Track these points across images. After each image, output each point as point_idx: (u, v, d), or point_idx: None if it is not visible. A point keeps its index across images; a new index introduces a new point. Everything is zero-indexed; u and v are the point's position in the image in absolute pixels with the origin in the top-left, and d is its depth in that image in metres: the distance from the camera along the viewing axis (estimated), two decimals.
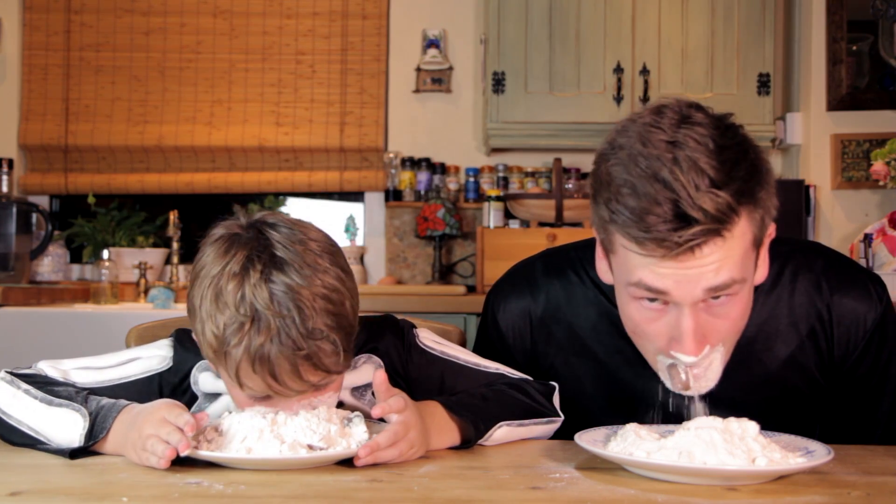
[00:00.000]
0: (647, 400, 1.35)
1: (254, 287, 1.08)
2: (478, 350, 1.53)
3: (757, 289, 1.29)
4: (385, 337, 1.32)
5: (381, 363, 1.28)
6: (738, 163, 1.12)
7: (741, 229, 1.13)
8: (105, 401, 1.16)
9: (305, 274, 1.09)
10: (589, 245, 1.44)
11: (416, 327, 1.36)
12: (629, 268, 1.16)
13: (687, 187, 1.08)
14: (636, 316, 1.21)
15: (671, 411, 1.34)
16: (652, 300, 1.17)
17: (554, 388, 1.35)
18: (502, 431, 1.24)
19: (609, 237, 1.18)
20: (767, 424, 1.33)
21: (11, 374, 1.22)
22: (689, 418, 1.30)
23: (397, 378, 1.29)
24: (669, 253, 1.10)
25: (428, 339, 1.35)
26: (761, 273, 1.24)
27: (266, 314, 1.07)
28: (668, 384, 1.24)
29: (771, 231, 1.22)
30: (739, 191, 1.11)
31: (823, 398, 1.39)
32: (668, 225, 1.09)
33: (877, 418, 1.38)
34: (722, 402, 1.32)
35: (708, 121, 1.14)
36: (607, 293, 1.38)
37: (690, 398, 1.29)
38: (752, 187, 1.13)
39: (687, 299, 1.14)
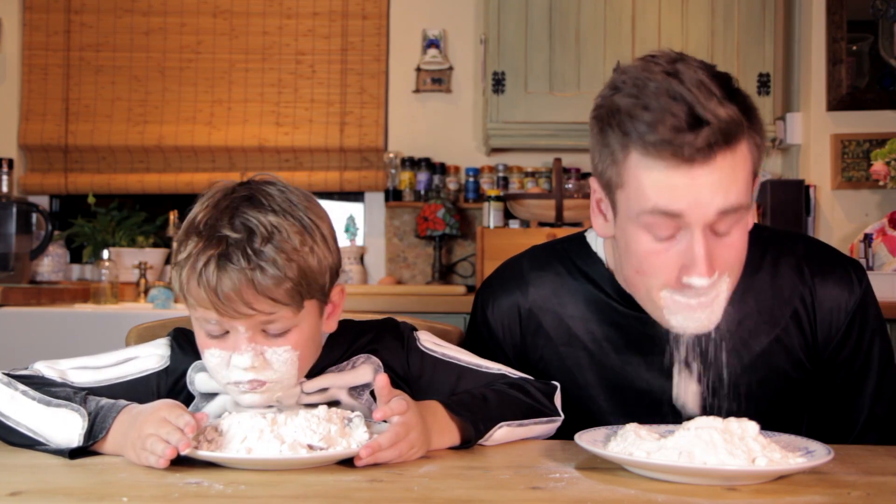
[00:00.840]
0: (636, 384, 1.37)
1: (221, 212, 1.12)
2: (468, 349, 1.53)
3: (742, 273, 1.31)
4: (385, 339, 1.32)
5: (381, 364, 1.28)
6: (736, 90, 1.20)
7: (745, 149, 1.19)
8: (104, 401, 1.16)
9: (277, 215, 1.12)
10: (573, 238, 1.48)
11: (416, 330, 1.36)
12: (643, 194, 1.19)
13: (699, 96, 1.15)
14: (645, 248, 1.23)
15: (660, 394, 1.36)
16: (661, 235, 1.21)
17: (555, 387, 1.35)
18: (503, 431, 1.24)
19: (620, 167, 1.22)
20: (757, 408, 1.35)
21: (9, 375, 1.22)
22: (678, 403, 1.33)
23: (397, 380, 1.29)
24: (684, 159, 1.15)
25: (428, 341, 1.35)
26: (750, 219, 1.27)
27: (223, 232, 1.10)
28: (673, 321, 1.26)
29: (758, 175, 1.27)
30: (743, 110, 1.18)
31: (810, 383, 1.40)
32: (683, 129, 1.14)
33: (861, 402, 1.40)
34: (711, 385, 1.34)
35: (698, 63, 1.20)
36: (596, 281, 1.41)
37: (671, 382, 1.33)
38: (750, 113, 1.20)
39: (700, 220, 1.18)
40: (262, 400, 1.16)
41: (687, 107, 1.15)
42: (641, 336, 1.36)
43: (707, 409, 1.35)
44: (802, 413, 1.43)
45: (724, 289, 1.24)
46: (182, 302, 1.16)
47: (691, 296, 1.23)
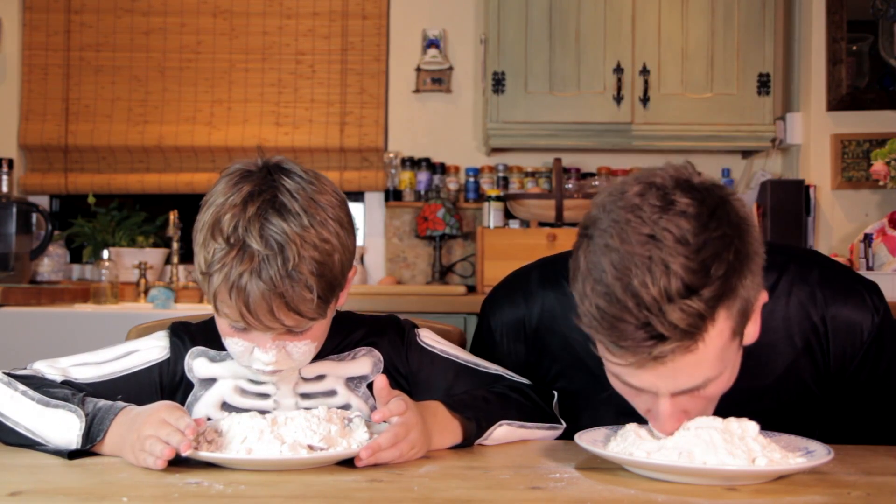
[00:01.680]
0: (638, 415, 1.35)
1: (248, 220, 1.11)
2: (473, 352, 1.53)
3: None
4: (386, 333, 1.33)
5: (381, 358, 1.29)
6: (718, 259, 1.06)
7: (717, 331, 1.08)
8: (102, 402, 1.16)
9: (302, 222, 1.12)
10: None
11: (417, 326, 1.36)
12: (607, 362, 1.13)
13: (659, 301, 1.03)
14: (618, 386, 1.17)
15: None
16: (631, 385, 1.14)
17: (553, 395, 1.36)
18: (502, 430, 1.24)
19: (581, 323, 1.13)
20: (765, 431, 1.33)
21: (8, 374, 1.22)
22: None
23: (396, 375, 1.30)
24: (639, 361, 1.07)
25: (429, 337, 1.36)
26: (752, 332, 1.18)
27: (252, 247, 1.10)
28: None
29: (763, 297, 1.16)
30: (715, 295, 1.05)
31: (819, 409, 1.38)
32: (638, 339, 1.05)
33: (877, 428, 1.37)
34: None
35: (693, 210, 1.07)
36: None
37: None
38: (731, 284, 1.07)
39: (662, 393, 1.12)
40: (276, 378, 1.22)
41: (643, 318, 1.04)
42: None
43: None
44: (811, 431, 1.41)
45: (705, 413, 1.18)
46: (203, 286, 1.16)
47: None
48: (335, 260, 1.15)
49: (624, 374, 1.12)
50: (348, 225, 1.19)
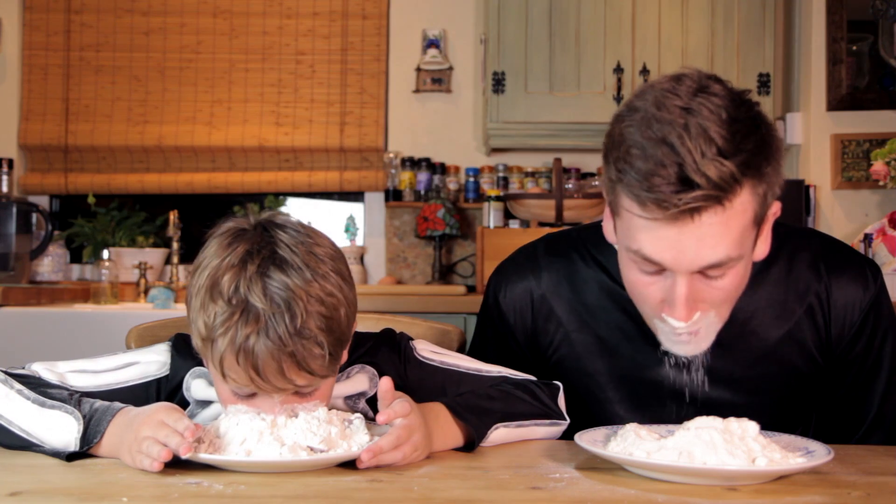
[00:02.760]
0: (646, 374, 1.38)
1: (249, 280, 1.07)
2: (478, 333, 1.53)
3: (756, 265, 1.31)
4: (382, 350, 1.31)
5: (376, 373, 1.27)
6: (748, 136, 1.14)
7: (742, 202, 1.15)
8: (99, 403, 1.15)
9: (305, 276, 1.08)
10: (590, 227, 1.48)
11: (412, 340, 1.35)
12: (631, 233, 1.19)
13: (693, 153, 1.11)
14: (633, 278, 1.25)
15: (670, 386, 1.36)
16: (648, 271, 1.21)
17: (558, 388, 1.35)
18: (500, 433, 1.24)
19: (616, 199, 1.21)
20: (765, 402, 1.35)
21: (6, 373, 1.21)
22: (689, 394, 1.33)
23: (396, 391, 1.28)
24: (669, 215, 1.13)
25: (425, 350, 1.34)
26: (762, 249, 1.26)
27: (257, 307, 1.06)
28: (664, 345, 1.29)
29: (776, 209, 1.24)
30: (745, 162, 1.13)
31: (820, 379, 1.40)
32: (671, 187, 1.11)
33: (870, 400, 1.40)
34: (721, 376, 1.36)
35: (724, 92, 1.16)
36: (609, 270, 1.41)
37: (688, 370, 1.34)
38: (758, 161, 1.15)
39: (680, 270, 1.17)
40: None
41: (678, 166, 1.11)
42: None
43: (714, 401, 1.36)
44: (810, 410, 1.43)
45: (709, 322, 1.24)
46: (205, 353, 1.12)
47: (676, 332, 1.24)
48: (342, 314, 1.12)
49: (647, 244, 1.17)
50: (349, 278, 1.16)
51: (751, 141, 1.15)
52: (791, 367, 1.38)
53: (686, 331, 1.23)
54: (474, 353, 1.53)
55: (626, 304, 1.38)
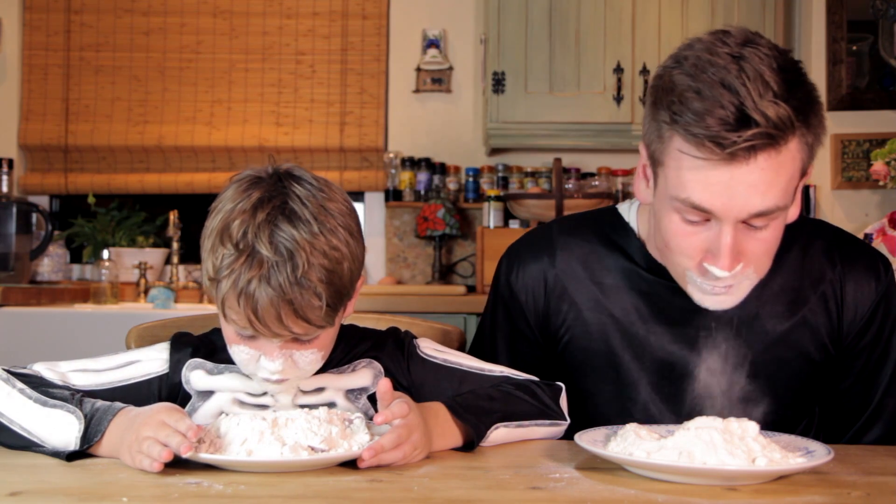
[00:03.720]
0: (658, 355, 1.39)
1: (258, 227, 1.11)
2: (487, 314, 1.53)
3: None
4: (386, 346, 1.31)
5: (381, 370, 1.28)
6: (798, 85, 1.17)
7: (794, 149, 1.18)
8: (100, 403, 1.15)
9: (311, 229, 1.12)
10: (605, 209, 1.50)
11: (416, 338, 1.35)
12: (680, 180, 1.20)
13: (752, 93, 1.13)
14: (674, 228, 1.25)
15: (683, 368, 1.37)
16: (692, 220, 1.22)
17: (560, 388, 1.35)
18: (499, 433, 1.24)
19: (664, 146, 1.22)
20: (777, 387, 1.36)
21: (8, 371, 1.21)
22: (701, 377, 1.35)
23: (399, 388, 1.28)
24: (725, 155, 1.14)
25: (429, 347, 1.34)
26: (794, 212, 1.28)
27: (262, 253, 1.10)
28: (696, 298, 1.29)
29: (809, 170, 1.26)
30: (798, 108, 1.16)
31: (829, 367, 1.41)
32: (729, 125, 1.13)
33: (874, 392, 1.41)
34: (734, 360, 1.36)
35: (770, 45, 1.19)
36: (626, 251, 1.42)
37: (701, 353, 1.35)
38: (807, 110, 1.18)
39: (731, 218, 1.18)
40: (283, 388, 1.21)
41: (738, 102, 1.13)
42: (669, 307, 1.38)
43: (726, 385, 1.36)
44: (817, 400, 1.44)
45: (748, 279, 1.26)
46: (211, 291, 1.15)
47: (713, 281, 1.25)
48: (344, 268, 1.15)
49: (697, 190, 1.17)
50: (357, 234, 1.20)
51: (801, 90, 1.18)
52: (804, 353, 1.39)
53: (728, 282, 1.24)
54: (482, 335, 1.53)
55: (641, 284, 1.39)
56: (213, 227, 1.15)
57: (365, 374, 1.27)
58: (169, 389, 1.26)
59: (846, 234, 1.46)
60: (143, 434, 1.06)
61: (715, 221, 1.20)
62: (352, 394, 1.26)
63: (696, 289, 1.28)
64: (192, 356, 1.26)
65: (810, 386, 1.41)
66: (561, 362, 1.45)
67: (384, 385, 1.13)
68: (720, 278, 1.23)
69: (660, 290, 1.38)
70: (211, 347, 1.27)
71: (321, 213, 1.14)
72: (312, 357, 1.18)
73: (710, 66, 1.16)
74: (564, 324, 1.44)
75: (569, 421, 1.33)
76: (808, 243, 1.41)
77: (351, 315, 1.36)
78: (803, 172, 1.23)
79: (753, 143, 1.13)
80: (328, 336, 1.19)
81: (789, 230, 1.37)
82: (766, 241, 1.23)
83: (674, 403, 1.37)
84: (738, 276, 1.24)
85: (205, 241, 1.16)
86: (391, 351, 1.31)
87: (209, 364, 1.25)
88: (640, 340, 1.40)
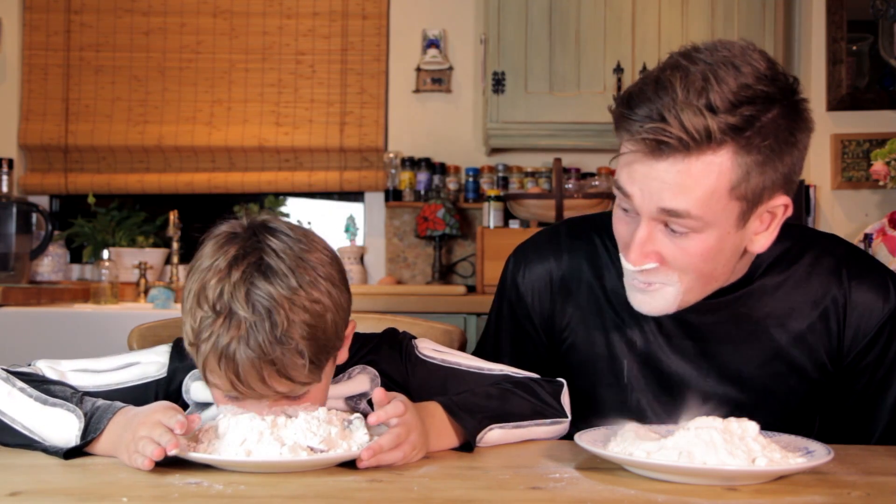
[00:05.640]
0: (656, 363, 1.39)
1: (233, 286, 1.08)
2: (494, 314, 1.53)
3: (776, 264, 1.34)
4: (383, 350, 1.31)
5: (377, 374, 1.28)
6: (754, 106, 1.14)
7: (718, 164, 1.16)
8: (100, 402, 1.16)
9: (290, 283, 1.09)
10: (609, 215, 1.48)
11: (415, 338, 1.35)
12: (618, 169, 1.25)
13: (679, 97, 1.14)
14: (615, 215, 1.30)
15: (679, 378, 1.37)
16: (626, 210, 1.25)
17: (562, 385, 1.35)
18: (496, 434, 1.23)
19: (617, 133, 1.26)
20: (771, 403, 1.35)
21: (8, 371, 1.21)
22: (697, 388, 1.36)
23: (399, 391, 1.27)
24: (638, 144, 1.17)
25: (427, 348, 1.34)
26: (762, 242, 1.27)
27: (239, 314, 1.07)
28: (627, 293, 1.31)
29: (781, 203, 1.23)
30: (732, 127, 1.14)
31: (829, 385, 1.39)
32: (645, 117, 1.16)
33: (880, 412, 1.38)
34: (730, 373, 1.36)
35: (760, 64, 1.17)
36: None
37: (698, 364, 1.36)
38: (752, 134, 1.15)
39: (644, 209, 1.21)
40: None
41: (661, 102, 1.15)
42: (667, 317, 1.37)
43: (721, 397, 1.36)
44: (814, 417, 1.43)
45: (671, 284, 1.26)
46: (193, 356, 1.13)
47: (630, 276, 1.28)
48: (327, 320, 1.11)
49: (623, 175, 1.22)
50: (340, 282, 1.16)
51: (755, 111, 1.14)
52: (800, 370, 1.37)
53: (638, 278, 1.26)
54: (487, 334, 1.54)
55: None
56: (190, 287, 1.12)
57: (361, 380, 1.27)
58: (166, 395, 1.25)
59: (859, 251, 1.44)
60: (139, 433, 1.06)
61: (638, 217, 1.23)
62: (351, 400, 1.26)
63: (626, 282, 1.31)
64: (194, 364, 1.25)
65: (808, 403, 1.40)
66: (564, 364, 1.45)
67: (378, 395, 1.13)
68: (629, 271, 1.26)
69: None
70: None
71: (299, 266, 1.10)
72: (307, 408, 1.14)
73: (671, 67, 1.18)
74: (569, 326, 1.45)
75: (569, 417, 1.32)
76: (816, 260, 1.38)
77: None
78: (745, 196, 1.19)
79: (656, 138, 1.15)
80: (319, 390, 1.16)
81: (800, 246, 1.37)
82: (688, 252, 1.22)
83: (670, 413, 1.37)
84: (656, 276, 1.25)
85: (184, 303, 1.13)
86: (388, 354, 1.31)
87: None
88: (640, 347, 1.40)
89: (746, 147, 1.16)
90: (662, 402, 1.39)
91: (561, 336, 1.45)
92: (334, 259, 1.17)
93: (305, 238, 1.15)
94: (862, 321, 1.36)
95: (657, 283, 1.26)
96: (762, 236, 1.26)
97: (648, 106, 1.16)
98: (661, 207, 1.19)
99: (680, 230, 1.20)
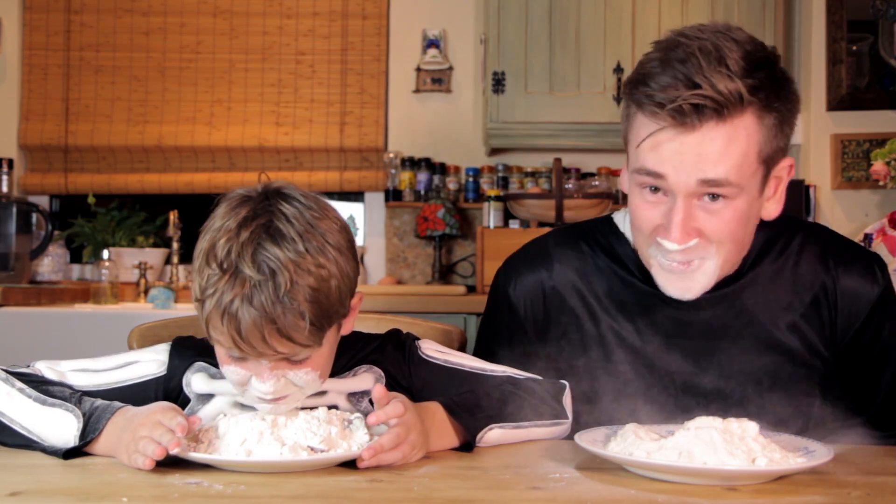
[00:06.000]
0: (655, 364, 1.39)
1: (242, 246, 1.09)
2: (484, 328, 1.53)
3: (764, 253, 1.37)
4: (387, 349, 1.31)
5: (382, 374, 1.27)
6: (761, 67, 1.21)
7: (747, 126, 1.21)
8: (99, 402, 1.16)
9: (297, 248, 1.10)
10: (600, 219, 1.51)
11: (418, 339, 1.35)
12: (638, 152, 1.25)
13: (703, 64, 1.18)
14: (636, 202, 1.29)
15: (679, 376, 1.38)
16: (654, 190, 1.25)
17: (564, 386, 1.35)
18: (496, 434, 1.23)
19: (629, 124, 1.27)
20: (770, 392, 1.36)
21: (7, 371, 1.22)
22: (696, 383, 1.37)
23: (402, 391, 1.27)
24: (672, 116, 1.18)
25: (430, 349, 1.34)
26: (773, 208, 1.32)
27: (245, 272, 1.08)
28: (660, 283, 1.32)
29: (788, 165, 1.31)
30: (754, 87, 1.20)
31: (826, 370, 1.41)
32: (676, 90, 1.18)
33: (878, 387, 1.41)
34: (728, 368, 1.37)
35: (747, 36, 1.23)
36: (621, 259, 1.43)
37: (696, 360, 1.36)
38: (768, 92, 1.21)
39: (682, 186, 1.22)
40: (283, 409, 1.16)
41: (687, 71, 1.18)
42: (663, 317, 1.39)
43: (721, 391, 1.37)
44: (812, 403, 1.43)
45: (710, 258, 1.28)
46: (198, 312, 1.14)
47: (670, 258, 1.28)
48: (331, 286, 1.12)
49: (650, 156, 1.22)
50: (348, 251, 1.17)
51: (763, 72, 1.20)
52: (796, 358, 1.39)
53: (680, 257, 1.26)
54: (480, 349, 1.53)
55: (639, 295, 1.40)
56: (201, 247, 1.13)
57: (366, 378, 1.26)
58: (166, 393, 1.25)
59: (842, 238, 1.46)
60: (140, 433, 1.06)
61: (671, 196, 1.24)
62: (353, 397, 1.26)
63: (657, 269, 1.31)
64: (195, 359, 1.26)
65: (805, 389, 1.41)
66: (560, 372, 1.45)
67: (378, 392, 1.13)
68: (672, 252, 1.26)
69: (654, 301, 1.39)
70: (214, 351, 1.27)
71: (308, 232, 1.12)
72: (307, 377, 1.15)
73: (675, 46, 1.21)
74: (564, 335, 1.45)
75: (570, 419, 1.32)
76: (802, 248, 1.41)
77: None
78: (766, 159, 1.25)
79: (696, 104, 1.17)
80: (322, 356, 1.17)
81: (785, 234, 1.40)
82: (725, 221, 1.25)
83: (669, 411, 1.37)
84: (696, 252, 1.26)
85: (194, 262, 1.15)
86: (392, 354, 1.31)
87: (212, 369, 1.24)
88: (636, 350, 1.40)
89: (766, 108, 1.21)
90: (661, 401, 1.39)
91: (558, 345, 1.45)
92: (344, 228, 1.18)
93: (317, 205, 1.16)
94: (853, 307, 1.39)
95: (697, 260, 1.27)
96: (773, 202, 1.32)
97: (672, 77, 1.18)
98: (700, 179, 1.21)
99: (717, 202, 1.23)
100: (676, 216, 1.23)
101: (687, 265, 1.28)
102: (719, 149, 1.20)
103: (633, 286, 1.41)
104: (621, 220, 1.47)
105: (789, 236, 1.41)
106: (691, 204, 1.24)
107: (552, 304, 1.46)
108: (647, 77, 1.22)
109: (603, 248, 1.45)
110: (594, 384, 1.41)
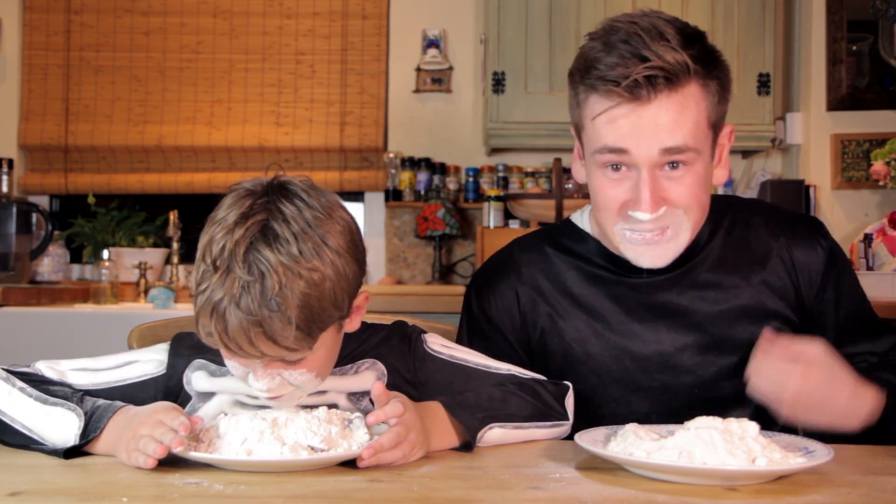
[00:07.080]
0: (635, 350, 1.42)
1: (235, 243, 1.07)
2: (464, 344, 1.52)
3: (716, 230, 1.43)
4: (392, 342, 1.30)
5: (385, 371, 1.26)
6: (696, 40, 1.29)
7: (695, 94, 1.27)
8: (100, 401, 1.16)
9: (290, 250, 1.07)
10: (558, 223, 1.57)
11: (424, 332, 1.34)
12: (596, 133, 1.30)
13: (646, 40, 1.25)
14: (599, 183, 1.34)
15: (660, 358, 1.41)
16: (615, 168, 1.30)
17: (567, 388, 1.35)
18: (495, 434, 1.23)
19: (581, 110, 1.33)
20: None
21: (7, 371, 1.22)
22: (678, 363, 1.39)
23: (404, 384, 1.27)
24: (626, 91, 1.24)
25: (436, 343, 1.33)
26: (721, 174, 1.38)
27: (235, 272, 1.06)
28: (630, 256, 1.36)
29: (729, 132, 1.37)
30: (695, 57, 1.27)
31: (806, 325, 1.44)
32: (626, 66, 1.24)
33: (860, 336, 1.46)
34: (707, 340, 1.40)
35: (674, 17, 1.31)
36: (584, 254, 1.47)
37: (675, 339, 1.39)
38: (706, 61, 1.29)
39: (644, 158, 1.27)
40: (283, 405, 1.16)
41: (633, 47, 1.24)
42: (635, 301, 1.42)
43: (704, 368, 1.40)
44: None
45: (678, 224, 1.32)
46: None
47: (641, 230, 1.32)
48: (325, 290, 1.09)
49: (610, 134, 1.27)
50: (348, 252, 1.14)
51: (698, 44, 1.29)
52: (774, 312, 1.43)
53: (652, 225, 1.31)
54: None
55: (605, 284, 1.44)
56: (202, 238, 1.12)
57: (368, 377, 1.25)
58: (166, 391, 1.25)
59: (780, 207, 1.54)
60: (140, 432, 1.06)
61: (634, 170, 1.29)
62: (354, 396, 1.26)
63: (627, 244, 1.35)
64: (195, 356, 1.25)
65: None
66: (546, 372, 1.46)
67: (377, 390, 1.13)
68: (646, 222, 1.30)
69: (623, 287, 1.43)
70: (214, 349, 1.26)
71: (304, 233, 1.09)
72: (303, 378, 1.14)
73: (614, 30, 1.28)
74: (543, 335, 1.47)
75: (571, 420, 1.32)
76: (748, 219, 1.47)
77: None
78: (713, 125, 1.31)
79: (649, 75, 1.23)
80: (318, 358, 1.15)
81: (728, 211, 1.47)
82: (688, 186, 1.30)
83: (654, 395, 1.39)
84: (667, 219, 1.31)
85: (198, 252, 1.14)
86: (397, 347, 1.30)
87: (212, 366, 1.24)
88: (613, 339, 1.43)
89: (708, 76, 1.29)
90: (646, 388, 1.41)
91: (537, 346, 1.47)
92: (346, 229, 1.15)
93: (320, 204, 1.13)
94: (809, 266, 1.45)
95: (671, 228, 1.32)
96: (720, 168, 1.38)
97: (619, 56, 1.24)
98: (662, 149, 1.26)
99: (678, 169, 1.29)
100: (644, 187, 1.28)
101: (661, 233, 1.32)
102: (674, 117, 1.26)
103: (601, 278, 1.44)
104: (579, 218, 1.52)
105: (734, 213, 1.47)
106: (655, 174, 1.29)
107: (526, 305, 1.48)
108: (595, 61, 1.27)
109: (565, 247, 1.49)
110: (577, 376, 1.41)
